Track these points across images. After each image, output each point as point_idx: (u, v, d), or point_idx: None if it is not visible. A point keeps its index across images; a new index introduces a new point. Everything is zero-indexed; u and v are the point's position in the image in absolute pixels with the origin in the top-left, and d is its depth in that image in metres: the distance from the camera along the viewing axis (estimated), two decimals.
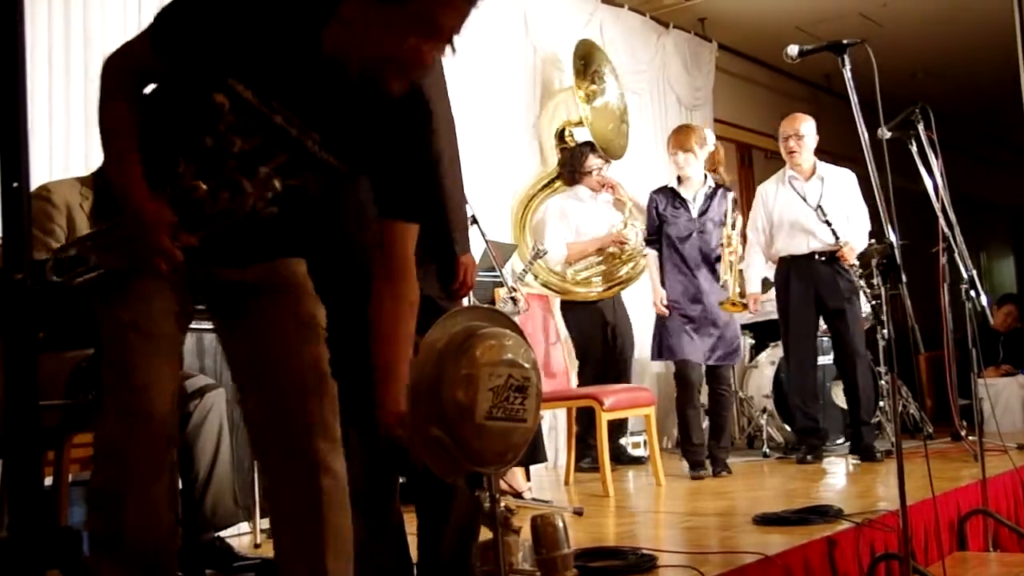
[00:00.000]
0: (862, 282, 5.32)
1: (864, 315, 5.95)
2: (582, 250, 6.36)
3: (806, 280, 5.85)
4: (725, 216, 5.55)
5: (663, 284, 5.53)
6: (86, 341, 2.98)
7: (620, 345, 6.46)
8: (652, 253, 5.64)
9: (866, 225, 5.72)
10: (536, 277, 6.22)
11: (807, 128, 5.93)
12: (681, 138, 5.61)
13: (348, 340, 2.42)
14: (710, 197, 5.58)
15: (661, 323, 5.53)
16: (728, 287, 5.42)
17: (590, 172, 6.45)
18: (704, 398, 5.86)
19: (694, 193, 5.57)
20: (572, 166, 6.51)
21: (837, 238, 5.60)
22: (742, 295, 5.63)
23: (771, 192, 6.12)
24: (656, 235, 5.62)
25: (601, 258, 6.45)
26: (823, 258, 5.79)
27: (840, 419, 6.54)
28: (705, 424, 5.81)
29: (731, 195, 5.64)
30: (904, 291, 3.21)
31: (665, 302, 5.47)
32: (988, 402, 6.67)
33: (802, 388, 5.95)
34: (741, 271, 5.85)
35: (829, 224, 5.58)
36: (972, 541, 4.05)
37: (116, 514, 1.96)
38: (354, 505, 2.40)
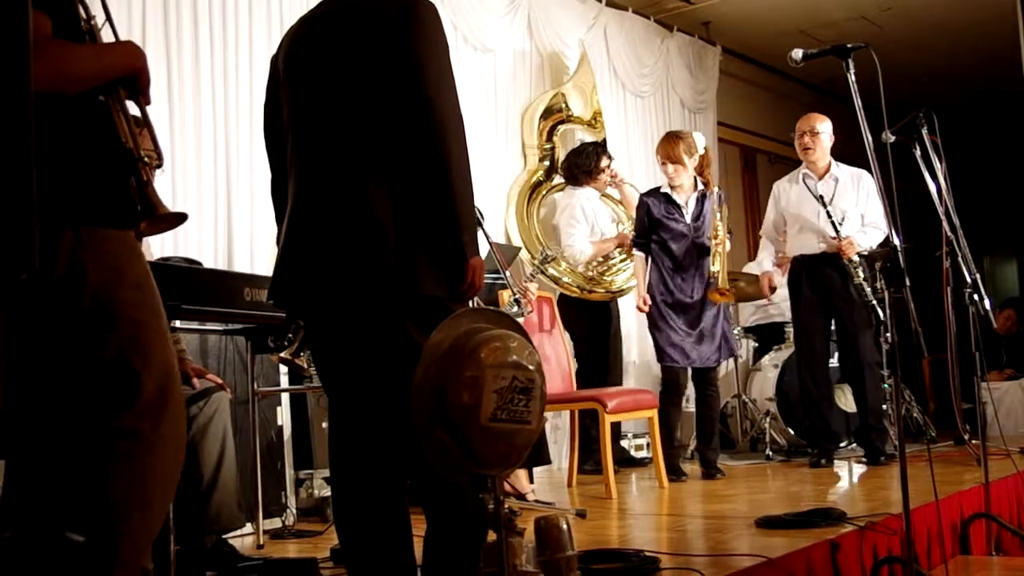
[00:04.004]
0: (863, 282, 5.29)
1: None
2: (603, 249, 6.37)
3: (818, 283, 5.84)
4: (714, 211, 5.56)
5: (652, 285, 5.54)
6: None
7: (620, 345, 6.47)
8: (640, 255, 5.66)
9: (881, 225, 5.68)
10: (555, 281, 6.24)
11: (823, 126, 5.92)
12: (668, 149, 5.61)
13: (354, 347, 2.43)
14: (701, 201, 5.60)
15: (653, 325, 5.54)
16: (716, 279, 5.43)
17: (603, 172, 6.45)
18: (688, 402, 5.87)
19: (686, 198, 5.59)
20: (586, 166, 6.46)
21: (837, 232, 5.58)
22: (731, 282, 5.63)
23: (785, 189, 6.12)
24: (645, 238, 5.63)
25: (618, 258, 6.47)
26: (830, 257, 5.76)
27: (843, 422, 6.53)
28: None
29: (717, 191, 5.66)
30: (908, 294, 3.20)
31: (649, 302, 5.48)
32: (991, 406, 6.67)
33: (814, 393, 5.94)
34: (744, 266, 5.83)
35: (830, 216, 5.56)
36: (975, 545, 4.05)
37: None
38: (358, 505, 2.42)
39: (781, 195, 6.12)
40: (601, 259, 6.44)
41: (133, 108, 2.07)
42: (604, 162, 6.47)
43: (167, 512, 1.98)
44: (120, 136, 1.96)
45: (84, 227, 1.88)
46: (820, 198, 5.63)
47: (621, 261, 6.45)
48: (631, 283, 6.34)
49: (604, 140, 6.89)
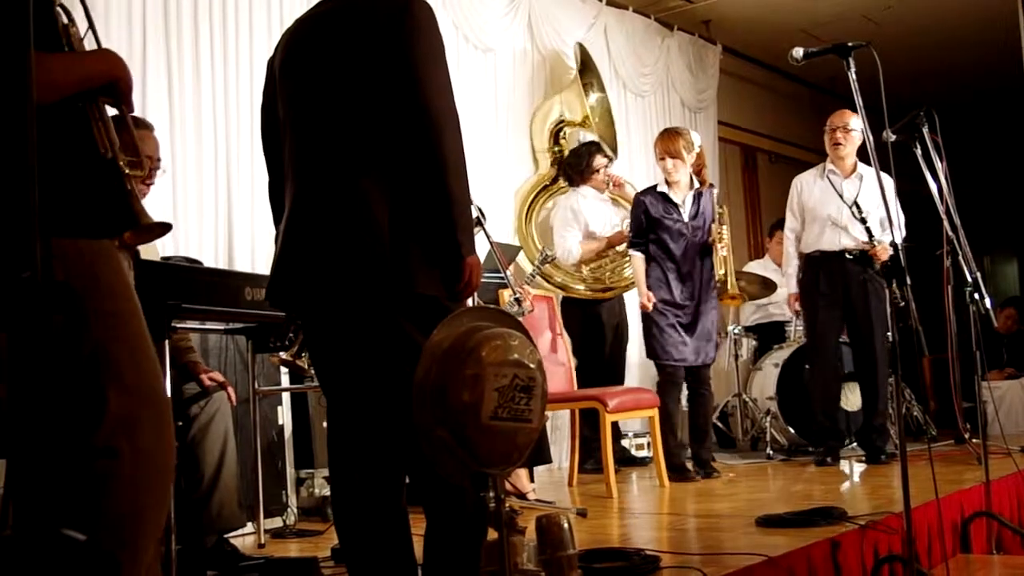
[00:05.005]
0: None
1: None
2: (594, 249, 6.38)
3: (836, 281, 5.82)
4: (713, 211, 5.56)
5: (652, 284, 5.52)
6: None
7: (621, 345, 6.47)
8: (638, 255, 5.60)
9: (900, 228, 5.67)
10: (548, 279, 6.27)
11: (856, 123, 5.85)
12: (668, 144, 5.58)
13: (350, 346, 2.43)
14: (697, 199, 5.59)
15: (652, 323, 5.52)
16: (726, 282, 5.43)
17: (597, 171, 6.47)
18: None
19: (683, 196, 5.58)
20: (578, 166, 6.54)
21: (871, 236, 5.57)
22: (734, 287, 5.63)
23: (808, 183, 6.06)
24: (642, 238, 5.60)
25: (611, 256, 6.48)
26: (852, 256, 5.77)
27: (845, 421, 6.53)
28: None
29: (715, 190, 5.67)
30: (909, 293, 3.21)
31: (653, 300, 5.46)
32: (992, 405, 6.67)
33: (826, 392, 5.93)
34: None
35: (864, 222, 5.54)
36: (975, 544, 4.05)
37: None
38: (357, 505, 2.42)
39: (804, 188, 6.05)
40: (595, 258, 6.46)
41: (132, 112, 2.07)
42: (597, 161, 6.50)
43: (165, 515, 1.99)
44: (98, 146, 1.96)
45: (56, 238, 1.88)
46: (856, 203, 5.58)
47: (623, 256, 6.45)
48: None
49: (598, 140, 6.91)
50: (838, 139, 5.89)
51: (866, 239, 5.61)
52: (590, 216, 6.45)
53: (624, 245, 6.32)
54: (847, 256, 5.77)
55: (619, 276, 6.52)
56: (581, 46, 7.22)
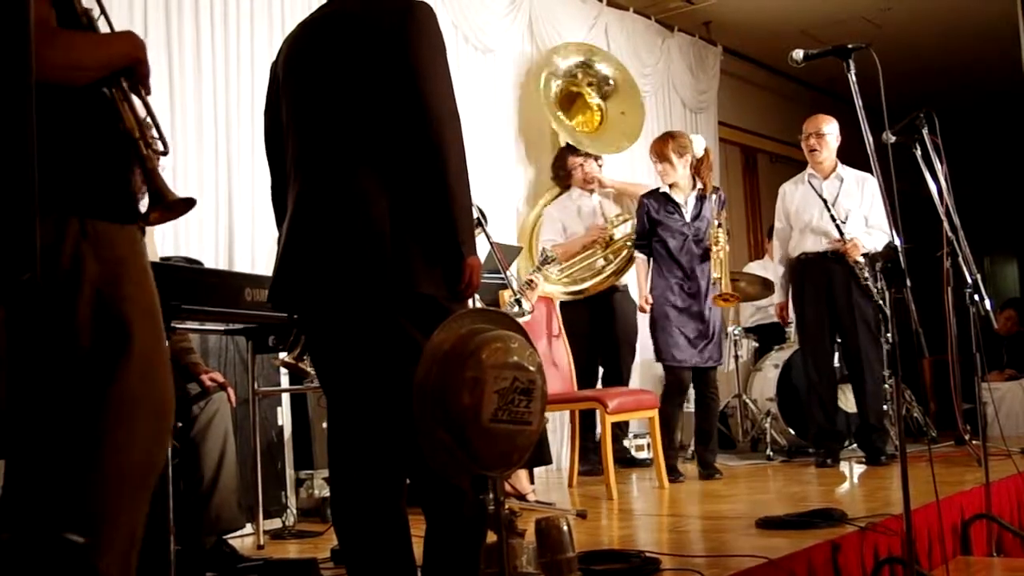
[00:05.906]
0: (869, 283, 5.31)
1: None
2: (566, 250, 6.38)
3: (819, 281, 5.86)
4: (714, 216, 5.58)
5: (655, 285, 5.55)
6: None
7: (618, 347, 6.45)
8: (640, 256, 5.68)
9: (886, 229, 5.69)
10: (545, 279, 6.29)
11: (829, 128, 5.98)
12: (658, 148, 5.66)
13: (350, 346, 2.43)
14: (700, 200, 5.60)
15: (655, 324, 5.53)
16: (719, 284, 5.44)
17: (571, 172, 6.54)
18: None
19: (685, 197, 5.60)
20: (557, 169, 6.73)
21: (842, 234, 5.61)
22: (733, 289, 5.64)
23: (790, 190, 6.16)
24: (646, 239, 5.64)
25: (584, 255, 6.47)
26: (833, 256, 5.78)
27: (844, 422, 6.53)
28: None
29: (716, 197, 5.68)
30: (908, 295, 3.20)
31: (650, 301, 5.48)
32: (992, 406, 6.67)
33: (821, 392, 5.95)
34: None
35: (834, 219, 5.59)
36: (976, 546, 4.05)
37: None
38: (357, 506, 2.42)
39: (787, 196, 6.15)
40: (572, 257, 6.45)
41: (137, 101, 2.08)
42: (570, 162, 6.63)
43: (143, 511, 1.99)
44: (127, 127, 1.97)
45: (89, 219, 1.89)
46: (823, 199, 5.66)
47: (570, 267, 6.45)
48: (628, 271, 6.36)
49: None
50: (813, 145, 6.00)
51: (847, 238, 5.65)
52: (568, 218, 6.50)
53: (602, 247, 6.35)
54: (828, 256, 5.80)
55: (592, 274, 6.46)
56: (564, 50, 7.24)
